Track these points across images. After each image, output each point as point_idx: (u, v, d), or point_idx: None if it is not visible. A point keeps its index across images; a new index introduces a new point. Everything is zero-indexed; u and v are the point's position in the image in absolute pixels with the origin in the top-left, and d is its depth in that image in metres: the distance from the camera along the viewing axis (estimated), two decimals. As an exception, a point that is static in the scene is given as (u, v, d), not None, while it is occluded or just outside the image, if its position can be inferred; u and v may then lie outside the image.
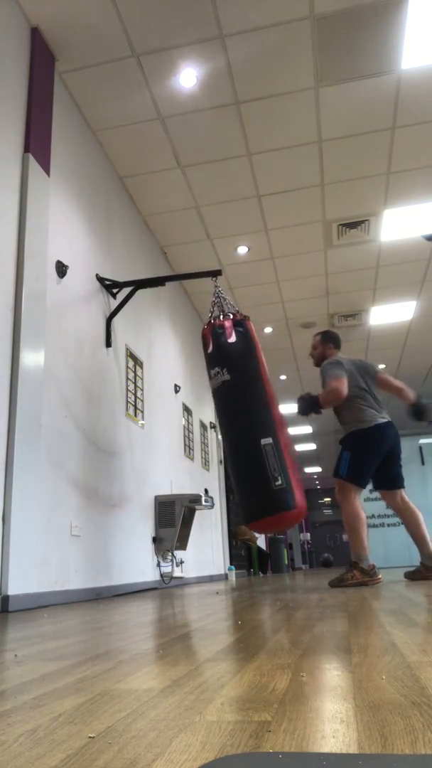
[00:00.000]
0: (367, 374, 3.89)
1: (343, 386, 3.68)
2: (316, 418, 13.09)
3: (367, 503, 7.28)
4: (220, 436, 3.60)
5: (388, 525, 8.76)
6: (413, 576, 3.78)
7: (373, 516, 8.74)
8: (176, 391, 6.16)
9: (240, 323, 3.65)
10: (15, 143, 3.24)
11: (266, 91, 4.15)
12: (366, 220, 5.72)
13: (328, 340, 4.04)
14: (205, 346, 3.70)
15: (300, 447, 16.35)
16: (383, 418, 3.77)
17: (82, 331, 3.86)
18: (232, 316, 3.69)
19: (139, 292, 4.98)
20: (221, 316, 3.71)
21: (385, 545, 8.59)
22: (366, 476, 3.74)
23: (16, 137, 3.27)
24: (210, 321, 3.72)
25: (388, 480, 3.80)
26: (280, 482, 3.27)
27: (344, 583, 3.48)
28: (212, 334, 3.63)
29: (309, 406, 3.82)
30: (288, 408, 12.28)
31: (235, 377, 3.48)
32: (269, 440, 3.34)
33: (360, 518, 3.62)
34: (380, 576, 3.56)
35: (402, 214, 5.61)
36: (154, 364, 5.50)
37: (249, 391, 3.47)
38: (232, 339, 3.58)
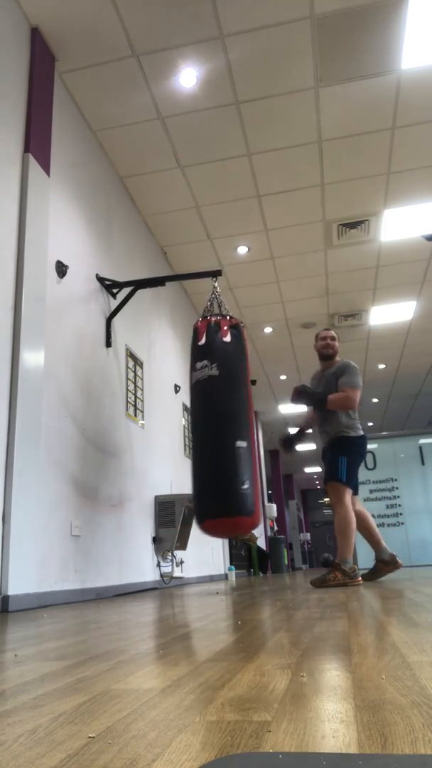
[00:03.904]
0: None
1: (358, 399, 3.83)
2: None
3: (366, 503, 7.28)
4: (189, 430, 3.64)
5: (388, 525, 8.73)
6: (373, 576, 3.88)
7: (373, 516, 8.71)
8: (176, 391, 6.16)
9: (236, 327, 3.70)
10: (15, 143, 3.24)
11: (266, 91, 4.15)
12: (366, 220, 5.72)
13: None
14: (197, 338, 3.70)
15: (300, 447, 16.32)
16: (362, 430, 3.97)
17: (82, 331, 3.86)
18: (229, 318, 3.73)
19: (139, 292, 4.98)
20: (219, 315, 3.75)
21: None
22: (356, 479, 3.90)
23: (16, 137, 3.27)
24: (206, 316, 3.75)
25: (354, 485, 3.91)
26: (246, 486, 3.32)
27: (326, 583, 3.55)
28: (207, 327, 3.66)
29: (310, 401, 3.92)
30: (290, 407, 12.29)
31: (224, 374, 3.51)
32: (244, 444, 3.39)
33: (352, 524, 3.75)
34: (360, 578, 3.64)
35: (402, 214, 5.61)
36: (154, 364, 5.50)
37: (233, 392, 3.50)
38: (227, 339, 3.60)
